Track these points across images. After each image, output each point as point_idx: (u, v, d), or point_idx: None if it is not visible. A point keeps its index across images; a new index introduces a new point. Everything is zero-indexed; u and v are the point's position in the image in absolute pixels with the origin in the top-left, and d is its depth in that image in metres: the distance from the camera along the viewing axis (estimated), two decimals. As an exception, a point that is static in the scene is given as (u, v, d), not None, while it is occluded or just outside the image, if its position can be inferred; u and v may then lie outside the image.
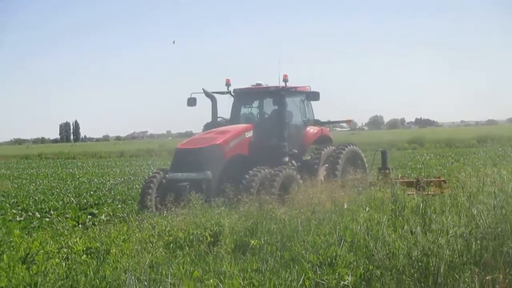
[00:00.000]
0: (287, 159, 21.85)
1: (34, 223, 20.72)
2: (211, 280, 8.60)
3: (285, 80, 22.18)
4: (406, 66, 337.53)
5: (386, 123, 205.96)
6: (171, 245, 12.03)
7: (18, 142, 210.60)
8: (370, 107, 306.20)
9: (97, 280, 9.25)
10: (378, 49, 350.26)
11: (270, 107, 23.17)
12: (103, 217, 21.48)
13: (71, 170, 55.97)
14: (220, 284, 8.36)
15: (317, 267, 9.59)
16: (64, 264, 11.19)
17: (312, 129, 23.91)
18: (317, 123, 24.24)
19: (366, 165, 24.55)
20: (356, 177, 20.93)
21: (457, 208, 14.18)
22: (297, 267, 9.72)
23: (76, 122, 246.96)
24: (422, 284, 9.22)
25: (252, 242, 11.74)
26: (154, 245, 11.92)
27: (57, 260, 11.57)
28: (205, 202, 15.82)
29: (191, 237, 12.38)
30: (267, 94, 23.03)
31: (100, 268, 10.06)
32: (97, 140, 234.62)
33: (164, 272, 9.45)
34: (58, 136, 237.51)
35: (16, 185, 36.75)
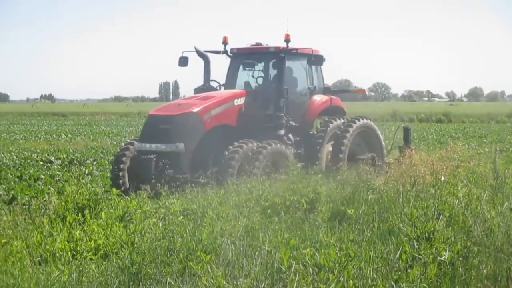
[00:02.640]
0: (282, 132, 18.66)
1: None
2: (308, 249, 8.51)
3: (287, 40, 18.99)
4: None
5: (486, 95, 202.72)
6: (268, 210, 11.98)
7: (118, 99, 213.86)
8: (468, 79, 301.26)
9: (193, 243, 9.23)
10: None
11: (270, 71, 19.96)
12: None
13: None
14: (316, 253, 8.27)
15: (414, 241, 9.43)
16: (160, 224, 11.30)
17: (319, 98, 20.28)
18: (326, 91, 20.84)
19: (383, 144, 21.21)
20: (367, 156, 19.79)
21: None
22: (394, 239, 9.60)
23: (175, 82, 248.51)
24: (521, 264, 8.98)
25: (349, 211, 11.62)
26: (250, 209, 11.90)
27: (154, 220, 11.71)
28: (171, 179, 15.33)
29: (288, 203, 12.30)
30: (266, 56, 19.76)
31: (196, 231, 10.05)
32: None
33: (260, 238, 9.41)
34: (157, 95, 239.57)
35: (115, 142, 37.12)
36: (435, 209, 11.30)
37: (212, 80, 20.05)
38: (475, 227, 10.28)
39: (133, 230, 10.80)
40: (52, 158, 27.19)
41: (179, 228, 10.44)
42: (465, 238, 9.83)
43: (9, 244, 10.06)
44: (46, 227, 11.18)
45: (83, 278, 8.38)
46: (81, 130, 52.81)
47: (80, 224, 11.38)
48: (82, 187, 12.93)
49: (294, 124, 19.25)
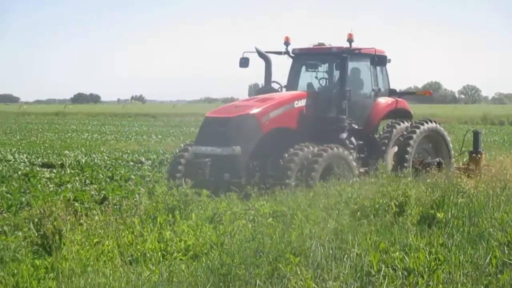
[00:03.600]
0: (344, 135, 17.73)
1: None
2: (397, 253, 8.49)
3: (350, 40, 18.09)
4: None
5: None
6: (357, 213, 11.96)
7: (208, 100, 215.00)
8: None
9: (282, 245, 9.28)
10: None
11: (333, 72, 18.92)
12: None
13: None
14: (405, 257, 8.24)
15: (505, 246, 9.32)
16: (250, 225, 11.35)
17: (384, 101, 19.36)
18: (392, 93, 19.79)
19: (451, 148, 20.04)
20: (433, 161, 18.77)
21: None
22: (484, 244, 9.49)
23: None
24: None
25: (439, 215, 11.52)
26: (339, 212, 11.88)
27: (243, 221, 11.75)
28: (229, 184, 14.82)
29: (377, 206, 12.26)
30: (329, 56, 18.87)
31: (286, 233, 10.08)
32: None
33: (349, 241, 9.41)
34: (247, 96, 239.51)
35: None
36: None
37: (274, 82, 19.45)
38: None
39: (222, 231, 10.89)
40: (143, 159, 27.63)
41: (268, 230, 10.47)
42: (558, 244, 9.67)
43: (101, 243, 10.24)
44: (137, 227, 11.32)
45: (173, 279, 8.48)
46: (171, 131, 53.15)
47: (170, 225, 11.49)
48: (173, 188, 13.07)
49: (357, 127, 18.46)
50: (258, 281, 7.88)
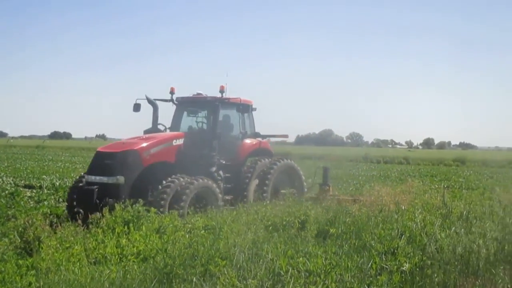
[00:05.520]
0: (214, 169, 17.20)
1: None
2: (300, 258, 8.50)
3: (222, 91, 17.51)
4: (456, 95, 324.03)
5: (436, 144, 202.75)
6: (270, 227, 11.96)
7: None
8: (423, 131, 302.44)
9: (212, 251, 9.22)
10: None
11: (208, 117, 18.41)
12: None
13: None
14: (307, 262, 8.26)
15: (383, 255, 9.41)
16: (187, 236, 11.27)
17: (249, 141, 18.90)
18: (256, 135, 19.23)
19: (304, 183, 19.68)
20: (289, 191, 17.96)
21: (493, 216, 13.83)
22: (366, 253, 9.57)
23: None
24: (463, 274, 8.95)
25: (332, 230, 11.61)
26: (256, 226, 11.87)
27: (182, 232, 11.65)
28: (111, 207, 13.66)
29: (284, 222, 12.30)
30: (205, 104, 18.36)
31: (215, 242, 10.03)
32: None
33: (264, 249, 9.39)
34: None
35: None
36: (398, 230, 11.32)
37: (160, 124, 18.32)
38: (429, 245, 10.28)
39: (166, 240, 10.79)
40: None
41: (201, 239, 10.40)
42: (421, 253, 9.78)
43: (71, 248, 10.06)
44: (100, 235, 11.17)
45: (128, 276, 8.36)
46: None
47: (125, 234, 11.33)
48: (128, 205, 12.91)
49: (225, 162, 17.78)
50: (194, 278, 7.79)
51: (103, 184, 15.07)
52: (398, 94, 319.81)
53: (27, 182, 27.32)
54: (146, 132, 17.86)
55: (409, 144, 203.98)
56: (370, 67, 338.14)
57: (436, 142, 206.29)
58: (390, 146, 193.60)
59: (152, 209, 13.15)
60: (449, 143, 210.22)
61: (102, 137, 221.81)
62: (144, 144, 15.91)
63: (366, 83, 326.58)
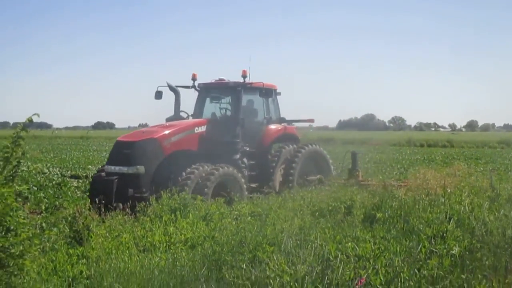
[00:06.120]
0: (237, 156, 16.87)
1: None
2: (349, 243, 8.46)
3: (244, 76, 17.14)
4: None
5: (480, 126, 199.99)
6: (316, 213, 11.94)
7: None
8: (466, 113, 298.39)
9: (260, 237, 9.23)
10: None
11: (231, 103, 18.13)
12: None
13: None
14: (356, 247, 8.21)
15: (432, 238, 9.31)
16: (234, 223, 11.33)
17: (274, 127, 18.49)
18: (281, 121, 18.85)
19: (332, 166, 19.40)
20: (315, 177, 17.99)
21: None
22: (415, 237, 9.48)
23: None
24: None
25: (378, 215, 11.52)
26: (302, 212, 11.85)
27: (229, 219, 11.74)
28: (131, 198, 13.80)
29: (330, 208, 12.27)
30: (227, 90, 18.09)
31: (262, 228, 10.04)
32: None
33: (312, 234, 9.37)
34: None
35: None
36: (446, 214, 11.17)
37: (182, 111, 18.10)
38: (478, 228, 10.14)
39: (213, 227, 10.88)
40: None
41: (248, 226, 10.45)
42: (470, 236, 9.65)
43: (120, 236, 10.20)
44: (148, 224, 11.28)
45: (177, 263, 8.42)
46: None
47: (173, 222, 11.45)
48: (175, 194, 13.00)
49: (249, 149, 17.45)
50: (243, 265, 7.79)
51: (123, 174, 14.88)
52: (441, 76, 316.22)
53: (73, 172, 27.68)
54: (168, 120, 17.66)
55: (453, 126, 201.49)
56: (411, 49, 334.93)
57: (480, 124, 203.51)
58: (433, 129, 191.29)
59: (199, 196, 13.24)
60: (493, 125, 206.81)
61: (145, 126, 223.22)
62: (165, 132, 15.64)
63: (408, 66, 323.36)
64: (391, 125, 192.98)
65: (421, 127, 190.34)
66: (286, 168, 17.63)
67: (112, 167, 15.15)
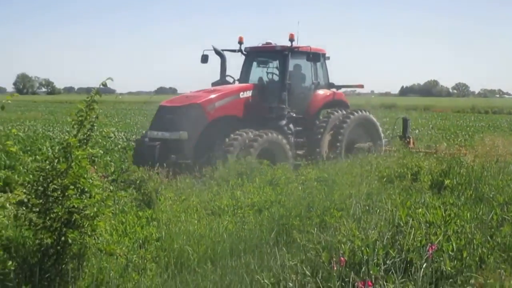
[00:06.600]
0: (283, 122, 16.25)
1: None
2: (420, 209, 8.36)
3: (291, 39, 16.44)
4: None
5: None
6: (383, 179, 11.83)
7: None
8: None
9: (328, 202, 9.22)
10: None
11: (277, 67, 17.31)
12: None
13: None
14: (427, 213, 8.11)
15: (504, 205, 9.14)
16: (300, 187, 11.32)
17: (322, 92, 17.74)
18: (330, 86, 18.07)
19: (382, 136, 18.46)
20: (365, 145, 17.37)
21: None
22: (485, 204, 9.32)
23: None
24: None
25: (446, 181, 11.35)
26: (370, 178, 11.75)
27: (295, 184, 11.73)
28: (173, 164, 13.46)
29: (397, 174, 12.14)
30: (274, 54, 17.28)
31: (329, 193, 10.01)
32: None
33: (381, 199, 9.30)
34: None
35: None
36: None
37: (228, 76, 17.57)
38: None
39: (280, 192, 10.89)
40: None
41: (315, 191, 10.44)
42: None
43: (188, 200, 10.29)
44: (215, 188, 11.36)
45: (245, 227, 8.47)
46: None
47: (239, 186, 11.51)
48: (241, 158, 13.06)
49: (296, 115, 16.79)
50: (314, 230, 7.77)
51: (165, 140, 14.64)
52: (506, 41, 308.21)
53: (138, 137, 27.94)
54: (214, 84, 17.26)
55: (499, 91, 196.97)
56: (475, 16, 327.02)
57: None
58: (498, 96, 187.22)
59: (265, 161, 13.24)
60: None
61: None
62: (209, 97, 15.27)
63: (472, 32, 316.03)
64: (455, 91, 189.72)
65: (485, 93, 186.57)
66: (334, 134, 17.06)
67: (155, 133, 14.93)
